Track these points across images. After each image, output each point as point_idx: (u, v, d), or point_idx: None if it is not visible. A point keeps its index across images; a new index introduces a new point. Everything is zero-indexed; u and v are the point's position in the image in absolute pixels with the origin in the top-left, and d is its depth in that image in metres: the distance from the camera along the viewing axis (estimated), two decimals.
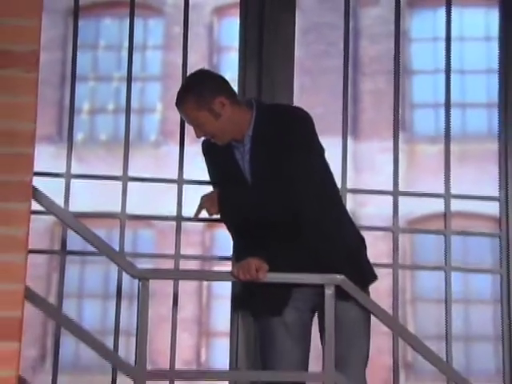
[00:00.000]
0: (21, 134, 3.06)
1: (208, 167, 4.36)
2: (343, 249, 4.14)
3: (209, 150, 4.31)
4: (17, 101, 3.07)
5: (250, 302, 4.28)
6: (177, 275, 4.61)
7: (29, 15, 3.10)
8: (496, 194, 4.87)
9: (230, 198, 4.13)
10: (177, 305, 4.63)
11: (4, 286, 3.04)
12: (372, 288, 4.22)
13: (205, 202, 4.06)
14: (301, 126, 4.15)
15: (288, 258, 4.05)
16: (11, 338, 3.04)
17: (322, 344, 4.18)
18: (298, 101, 4.76)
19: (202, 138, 4.10)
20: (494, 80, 5.02)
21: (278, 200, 4.11)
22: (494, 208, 4.88)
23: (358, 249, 4.22)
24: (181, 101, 4.09)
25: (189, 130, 4.78)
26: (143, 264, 4.77)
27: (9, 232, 2.99)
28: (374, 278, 4.23)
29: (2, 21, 3.05)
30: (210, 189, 4.50)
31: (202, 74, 4.19)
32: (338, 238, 4.15)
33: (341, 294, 3.95)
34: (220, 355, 5.02)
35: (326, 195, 4.17)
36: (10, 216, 3.02)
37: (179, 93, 4.16)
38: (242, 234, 4.23)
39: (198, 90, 4.07)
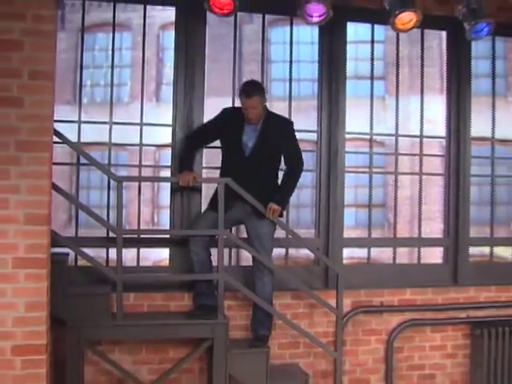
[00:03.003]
0: (44, 116, 3.32)
1: (214, 123, 4.47)
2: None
3: (227, 118, 4.45)
4: (42, 98, 3.32)
5: (215, 203, 4.29)
6: (138, 180, 4.84)
7: (47, 63, 3.36)
8: (315, 129, 5.00)
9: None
10: (140, 192, 4.74)
11: (36, 197, 3.29)
12: None
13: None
14: (293, 129, 4.48)
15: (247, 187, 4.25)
16: (43, 223, 3.31)
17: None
18: (208, 79, 4.76)
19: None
20: (316, 66, 5.04)
21: (270, 161, 4.39)
22: (314, 136, 5.00)
23: None
24: (253, 95, 4.25)
25: (147, 94, 4.92)
26: (122, 171, 5.00)
27: (39, 168, 3.27)
28: None
29: (36, 55, 3.31)
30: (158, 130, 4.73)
31: (260, 83, 4.44)
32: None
33: (258, 213, 4.31)
34: (165, 220, 5.11)
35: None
36: (40, 160, 3.29)
37: (252, 90, 4.27)
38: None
39: (263, 92, 4.31)
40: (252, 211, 4.36)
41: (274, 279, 4.51)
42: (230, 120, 4.45)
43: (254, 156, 4.38)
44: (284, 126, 4.50)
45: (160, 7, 4.89)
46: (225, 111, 4.54)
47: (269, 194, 4.38)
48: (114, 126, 4.61)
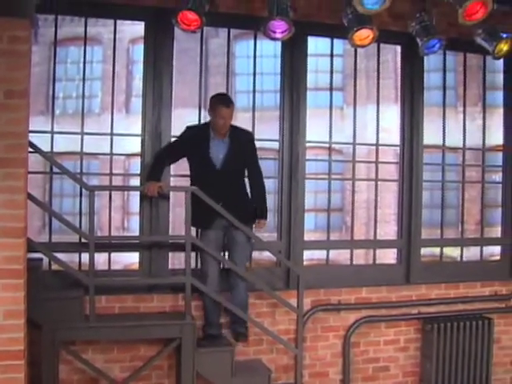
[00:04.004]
0: (19, 133, 3.35)
1: (180, 142, 4.57)
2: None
3: (192, 135, 4.54)
4: (18, 116, 3.33)
5: (197, 221, 4.48)
6: (109, 189, 4.85)
7: (22, 83, 3.37)
8: (277, 138, 5.10)
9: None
10: (111, 199, 4.80)
11: (12, 211, 3.31)
12: None
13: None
14: (254, 140, 4.68)
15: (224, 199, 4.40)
16: (19, 236, 3.34)
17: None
18: (175, 91, 4.83)
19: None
20: (278, 78, 5.14)
21: (240, 170, 4.54)
22: (276, 145, 5.11)
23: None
24: (230, 105, 4.44)
25: (117, 106, 4.93)
26: (93, 179, 5.03)
27: (15, 184, 3.30)
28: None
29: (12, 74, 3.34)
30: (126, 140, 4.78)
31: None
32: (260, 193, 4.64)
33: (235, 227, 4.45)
34: (134, 225, 5.16)
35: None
36: (16, 175, 3.32)
37: (229, 101, 4.47)
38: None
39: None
40: (229, 222, 4.50)
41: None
42: (195, 137, 4.55)
43: (225, 168, 4.51)
44: (248, 137, 4.68)
45: (129, 22, 4.94)
46: (189, 130, 4.63)
47: (242, 203, 4.56)
48: (85, 136, 4.65)
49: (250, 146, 4.65)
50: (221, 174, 4.50)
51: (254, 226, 4.65)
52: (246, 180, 4.72)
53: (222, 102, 4.47)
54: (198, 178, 4.53)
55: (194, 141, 4.54)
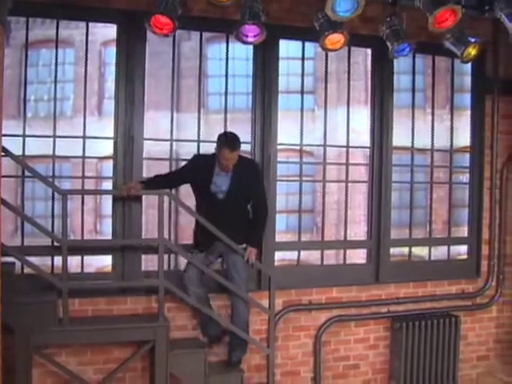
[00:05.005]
0: None
1: (186, 169, 4.66)
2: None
3: (198, 165, 4.62)
4: None
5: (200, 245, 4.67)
6: (82, 193, 4.92)
7: None
8: (249, 140, 5.15)
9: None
10: (83, 202, 4.83)
11: None
12: None
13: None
14: (260, 170, 4.85)
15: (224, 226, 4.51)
16: None
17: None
18: (147, 93, 4.85)
19: None
20: (250, 80, 5.21)
21: (243, 201, 4.63)
22: (248, 147, 5.11)
23: None
24: (236, 148, 4.47)
25: (89, 108, 4.95)
26: (65, 183, 5.06)
27: None
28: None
29: None
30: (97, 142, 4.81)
31: (238, 136, 4.56)
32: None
33: (232, 249, 4.58)
34: (107, 228, 5.17)
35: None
36: None
37: (235, 144, 4.48)
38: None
39: (240, 144, 4.54)
40: (225, 246, 4.63)
41: (220, 289, 4.84)
42: (199, 168, 4.63)
43: (229, 198, 4.60)
44: (252, 167, 4.77)
45: (101, 24, 4.95)
46: (195, 159, 4.73)
47: (244, 229, 4.69)
48: (57, 139, 4.65)
49: (253, 176, 4.74)
50: (224, 204, 4.60)
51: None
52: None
53: (226, 146, 4.50)
54: (203, 206, 4.65)
55: (198, 172, 4.61)
